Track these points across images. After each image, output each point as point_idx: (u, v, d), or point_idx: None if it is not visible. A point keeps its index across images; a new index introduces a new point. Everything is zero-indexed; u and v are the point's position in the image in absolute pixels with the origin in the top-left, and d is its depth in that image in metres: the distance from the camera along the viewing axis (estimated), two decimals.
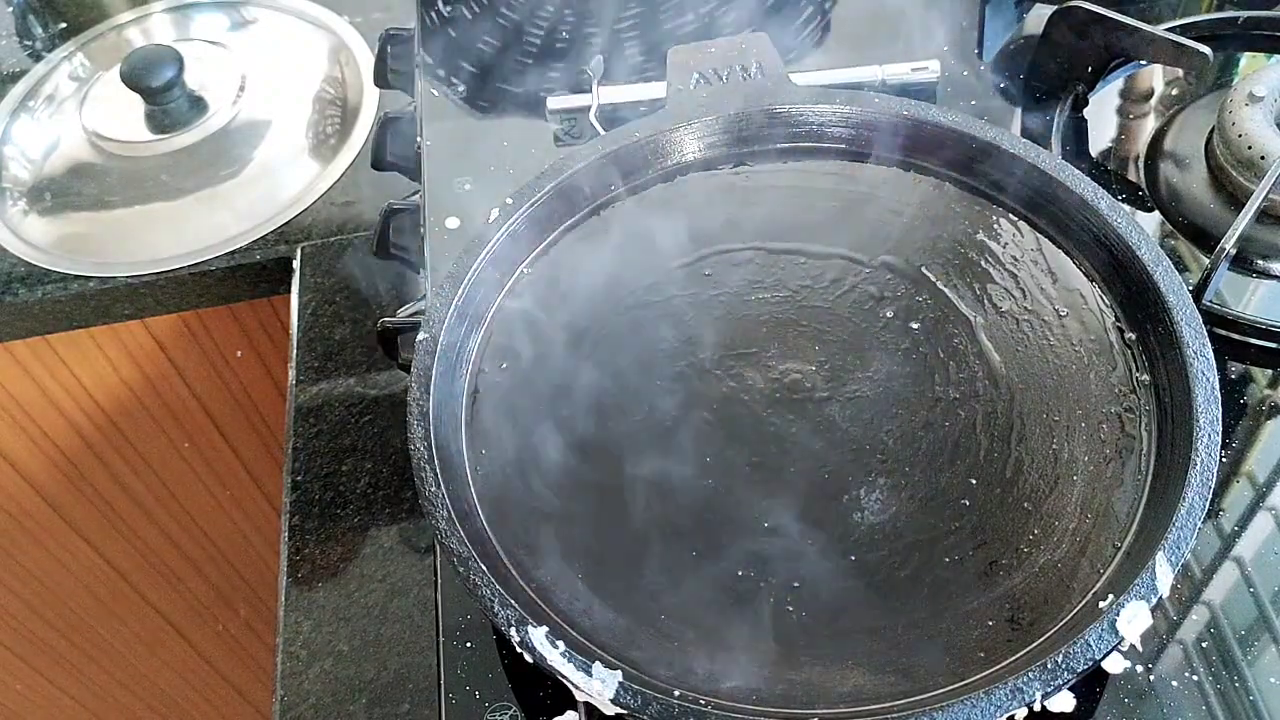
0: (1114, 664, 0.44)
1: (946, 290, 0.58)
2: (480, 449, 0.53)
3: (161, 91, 0.88)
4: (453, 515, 0.48)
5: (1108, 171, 0.68)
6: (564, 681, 0.44)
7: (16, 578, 1.04)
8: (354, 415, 0.72)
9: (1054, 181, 0.58)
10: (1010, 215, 0.60)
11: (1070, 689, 0.43)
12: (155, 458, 1.00)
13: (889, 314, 0.57)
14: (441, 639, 0.51)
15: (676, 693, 0.44)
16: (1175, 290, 0.53)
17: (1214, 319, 0.58)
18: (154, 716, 1.28)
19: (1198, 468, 0.47)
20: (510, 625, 0.44)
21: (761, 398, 0.54)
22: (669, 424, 0.53)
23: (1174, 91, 0.72)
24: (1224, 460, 0.50)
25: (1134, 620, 0.43)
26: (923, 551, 0.49)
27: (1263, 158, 0.62)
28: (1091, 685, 0.47)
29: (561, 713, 0.47)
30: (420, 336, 0.54)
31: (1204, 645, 0.49)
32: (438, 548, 0.50)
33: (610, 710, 0.43)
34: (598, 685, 0.43)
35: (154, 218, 0.86)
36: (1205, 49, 0.66)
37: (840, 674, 0.46)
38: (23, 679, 1.14)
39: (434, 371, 0.53)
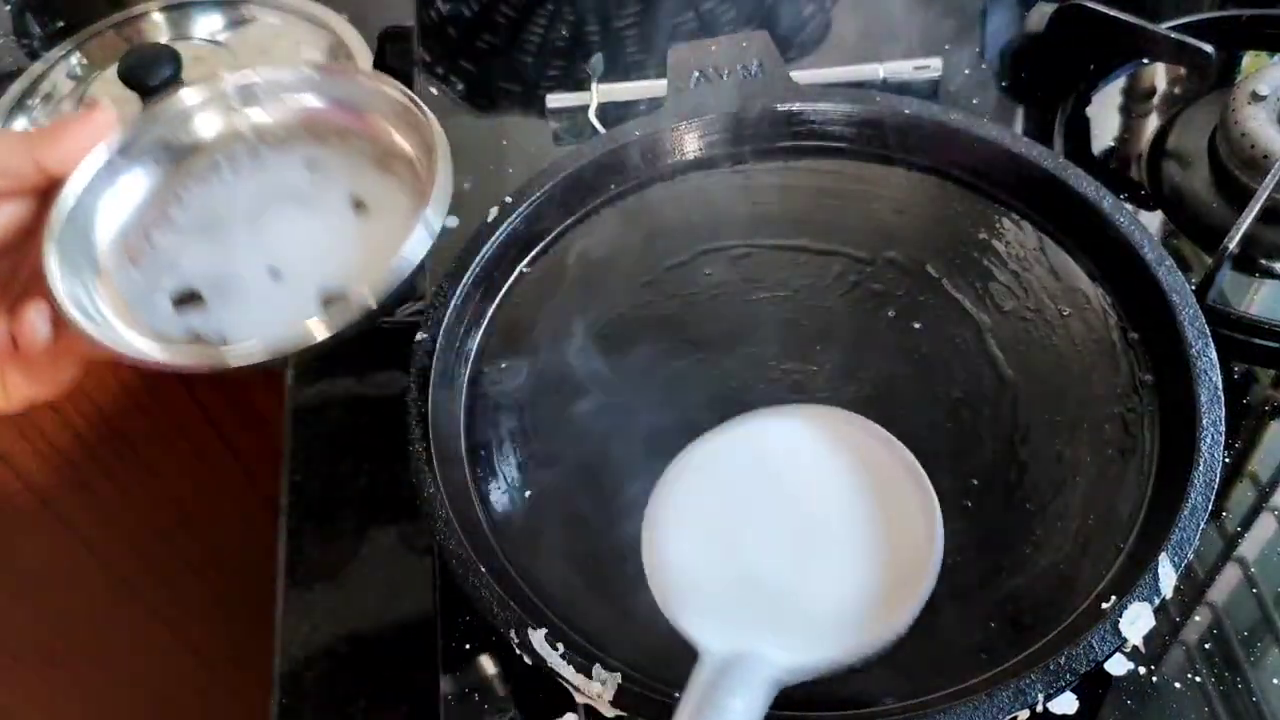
0: (1117, 665, 0.44)
1: (949, 289, 0.57)
2: (480, 449, 0.53)
3: (159, 90, 0.87)
4: (452, 515, 0.48)
5: (1110, 170, 0.68)
6: (563, 683, 0.44)
7: (13, 578, 1.04)
8: (354, 415, 0.71)
9: (1056, 180, 0.58)
10: (1012, 214, 0.60)
11: (1073, 690, 0.43)
12: (154, 458, 0.99)
13: (891, 313, 0.57)
14: (441, 639, 0.51)
15: (676, 694, 0.44)
16: (1178, 290, 0.53)
17: (1217, 318, 0.58)
18: (153, 717, 1.27)
19: (1201, 468, 0.47)
20: (510, 627, 0.44)
21: (762, 398, 0.54)
22: (669, 424, 0.53)
23: (1177, 90, 0.72)
24: (1227, 461, 0.50)
25: (1137, 622, 0.43)
26: None
27: (1266, 157, 0.62)
28: (1094, 687, 0.47)
29: (561, 714, 0.47)
30: (420, 336, 0.54)
31: (1207, 646, 0.49)
32: (437, 548, 0.50)
33: (610, 712, 0.43)
34: (597, 687, 0.43)
35: None
36: (1208, 47, 0.66)
37: (841, 676, 0.45)
38: (19, 680, 1.14)
39: (434, 371, 0.53)
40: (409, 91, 0.55)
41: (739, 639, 0.31)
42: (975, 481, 0.51)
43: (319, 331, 0.47)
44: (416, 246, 0.48)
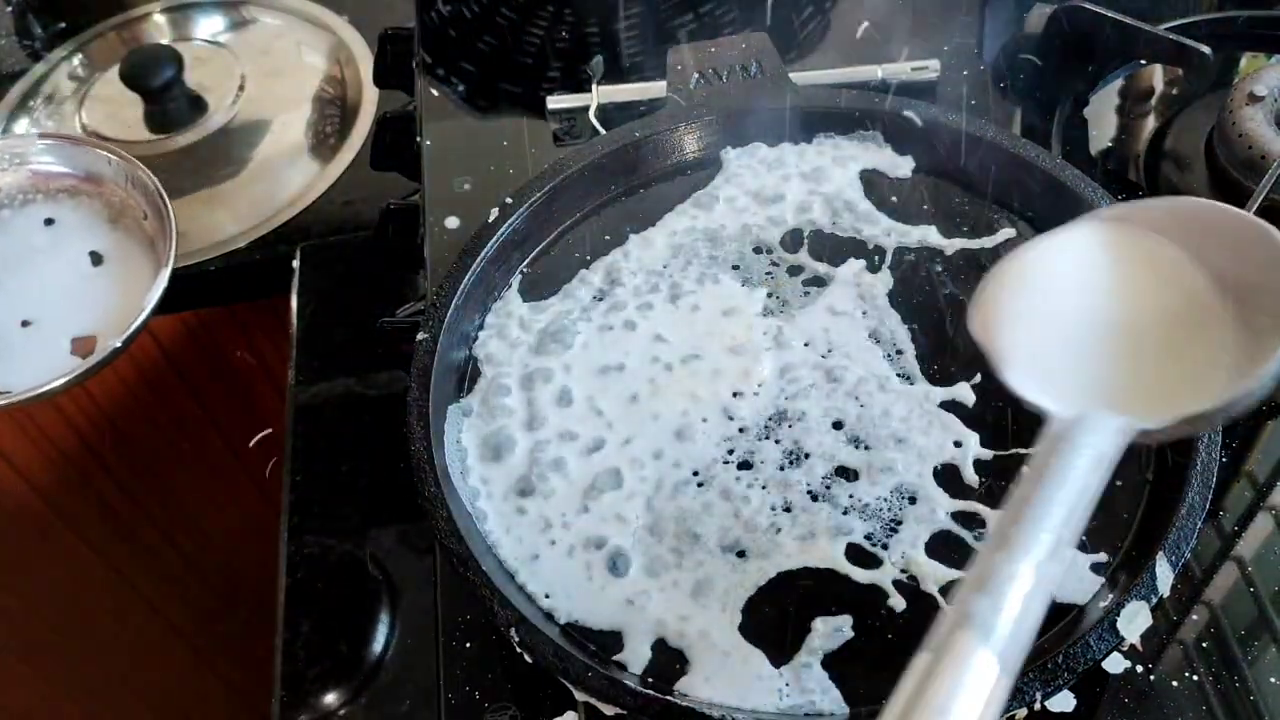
0: (1114, 664, 0.44)
1: (951, 289, 0.57)
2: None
3: (161, 91, 0.88)
4: (452, 515, 0.48)
5: (1108, 171, 0.68)
6: (563, 682, 0.44)
7: (16, 578, 1.04)
8: (354, 415, 0.72)
9: (1054, 181, 0.58)
10: (1010, 214, 0.60)
11: (1070, 689, 0.43)
12: (155, 458, 1.00)
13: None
14: (441, 639, 0.51)
15: (679, 693, 0.44)
16: None
17: None
18: (153, 716, 1.28)
19: (1198, 468, 0.47)
20: (510, 625, 0.44)
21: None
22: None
23: (1174, 91, 0.72)
24: (1224, 460, 0.50)
25: (1134, 620, 0.43)
26: None
27: (1263, 157, 0.62)
28: (1092, 685, 0.47)
29: (561, 713, 0.47)
30: (420, 336, 0.54)
31: (1204, 645, 0.49)
32: (438, 548, 0.50)
33: (609, 710, 0.43)
34: None
35: None
36: (1205, 49, 0.66)
37: (841, 675, 0.45)
38: (22, 679, 1.14)
39: (434, 371, 0.53)
40: (131, 157, 0.69)
41: (1079, 404, 0.35)
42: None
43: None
44: (156, 294, 0.64)
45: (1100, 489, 0.34)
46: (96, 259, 0.70)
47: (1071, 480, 0.33)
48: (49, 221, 0.71)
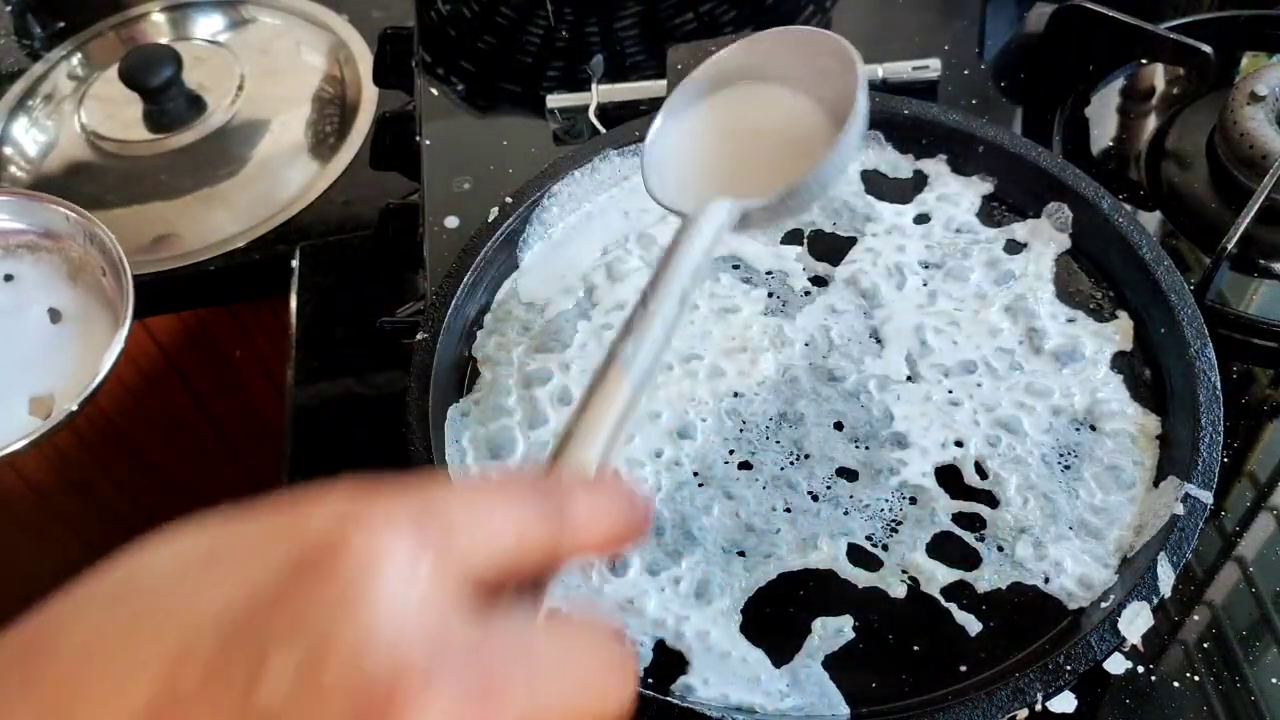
0: (1115, 664, 0.44)
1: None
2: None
3: (160, 91, 0.87)
4: None
5: (1109, 170, 0.68)
6: None
7: (13, 577, 1.04)
8: (354, 416, 0.71)
9: (1055, 180, 0.58)
10: (1011, 213, 0.60)
11: (1071, 690, 0.43)
12: (155, 458, 0.99)
13: None
14: None
15: (677, 694, 0.44)
16: (1177, 290, 0.53)
17: (1215, 318, 0.58)
18: None
19: (1199, 468, 0.47)
20: None
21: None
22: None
23: (1175, 90, 0.72)
24: (1226, 460, 0.50)
25: (1135, 621, 0.43)
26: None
27: (1264, 157, 0.62)
28: (1093, 686, 0.47)
29: None
30: (420, 336, 0.54)
31: (1205, 646, 0.49)
32: None
33: None
34: None
35: (152, 217, 0.86)
36: (1206, 47, 0.66)
37: (841, 676, 0.45)
38: None
39: (433, 371, 0.53)
40: (89, 215, 0.69)
41: (700, 199, 0.43)
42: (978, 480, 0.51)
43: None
44: (113, 357, 0.65)
45: (715, 251, 0.42)
46: (55, 315, 0.69)
47: (695, 250, 0.40)
48: (8, 278, 0.71)
